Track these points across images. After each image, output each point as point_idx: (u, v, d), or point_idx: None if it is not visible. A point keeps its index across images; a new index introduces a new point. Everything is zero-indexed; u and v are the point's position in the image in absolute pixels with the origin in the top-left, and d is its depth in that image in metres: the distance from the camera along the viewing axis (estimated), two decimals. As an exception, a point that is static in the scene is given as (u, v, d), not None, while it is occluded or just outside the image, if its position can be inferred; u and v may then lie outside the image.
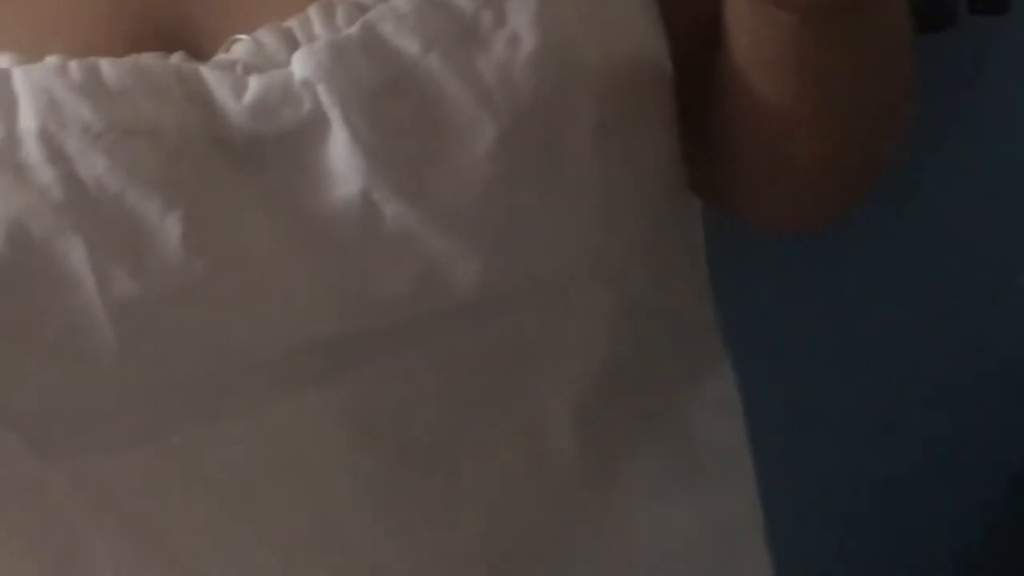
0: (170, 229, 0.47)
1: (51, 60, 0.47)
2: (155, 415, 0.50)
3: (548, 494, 0.57)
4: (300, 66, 0.48)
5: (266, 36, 0.49)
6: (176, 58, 0.48)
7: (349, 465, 0.53)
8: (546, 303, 0.54)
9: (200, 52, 0.49)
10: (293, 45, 0.48)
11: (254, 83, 0.48)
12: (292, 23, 0.49)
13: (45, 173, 0.46)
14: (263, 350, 0.50)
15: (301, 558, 0.53)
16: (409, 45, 0.48)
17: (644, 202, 0.55)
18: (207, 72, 0.48)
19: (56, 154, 0.46)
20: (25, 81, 0.47)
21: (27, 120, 0.46)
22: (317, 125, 0.48)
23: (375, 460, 0.53)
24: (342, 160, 0.48)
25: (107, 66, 0.47)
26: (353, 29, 0.48)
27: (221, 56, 0.49)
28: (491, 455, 0.55)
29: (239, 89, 0.48)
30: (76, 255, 0.47)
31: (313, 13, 0.49)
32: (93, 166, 0.46)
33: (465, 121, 0.48)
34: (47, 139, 0.46)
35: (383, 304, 0.50)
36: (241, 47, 0.49)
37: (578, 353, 0.55)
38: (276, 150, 0.48)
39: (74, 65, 0.47)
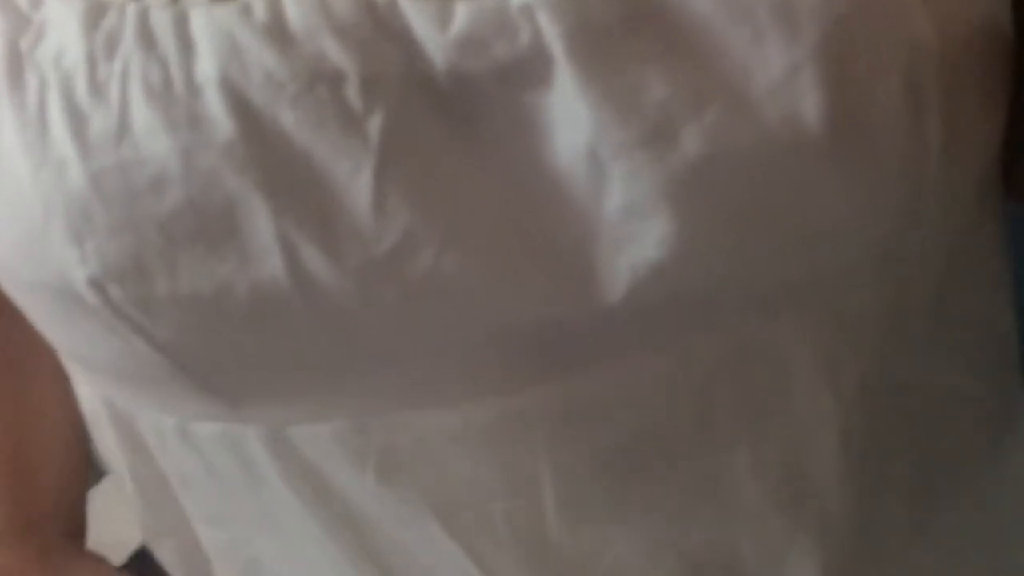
0: (360, 192, 0.40)
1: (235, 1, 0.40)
2: (348, 394, 0.45)
3: (808, 547, 0.47)
4: None
5: None
6: None
7: (553, 467, 0.46)
8: (811, 306, 0.44)
9: None
10: None
11: (462, 11, 0.39)
12: None
13: (226, 127, 0.40)
14: (469, 343, 0.42)
15: (488, 553, 0.48)
16: None
17: (954, 188, 0.44)
18: (404, 1, 0.40)
19: (239, 106, 0.40)
20: (206, 24, 0.40)
21: (206, 67, 0.40)
22: (537, 61, 0.39)
23: (582, 466, 0.46)
24: (566, 105, 0.39)
25: (291, 4, 0.40)
26: None
27: None
28: (732, 487, 0.46)
29: (444, 19, 0.39)
30: (261, 222, 0.40)
31: None
32: (277, 120, 0.40)
33: (736, 68, 0.39)
34: (228, 88, 0.40)
35: (609, 288, 0.41)
36: None
37: (850, 371, 0.45)
38: (489, 91, 0.40)
39: (259, 5, 0.40)
